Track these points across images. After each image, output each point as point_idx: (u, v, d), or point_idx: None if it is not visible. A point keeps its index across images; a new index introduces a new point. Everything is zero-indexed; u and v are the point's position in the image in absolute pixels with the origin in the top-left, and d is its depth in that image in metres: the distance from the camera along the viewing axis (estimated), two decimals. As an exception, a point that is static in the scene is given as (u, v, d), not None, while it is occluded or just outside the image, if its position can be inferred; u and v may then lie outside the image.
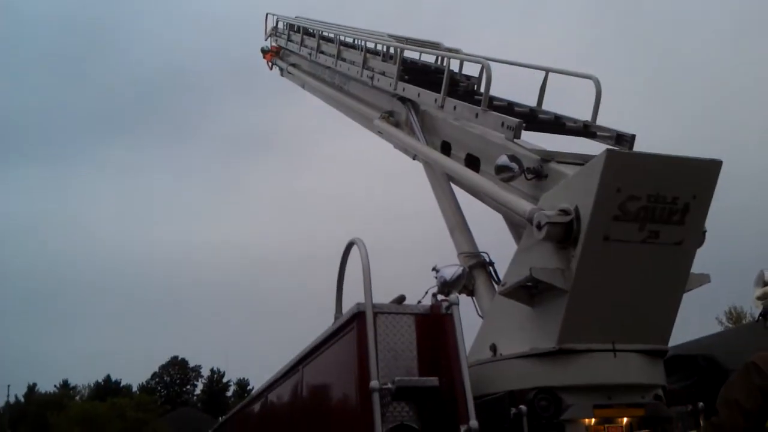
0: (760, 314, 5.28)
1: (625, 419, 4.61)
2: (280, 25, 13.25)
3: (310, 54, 11.25)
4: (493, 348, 5.05)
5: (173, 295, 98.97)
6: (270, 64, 13.42)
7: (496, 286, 5.87)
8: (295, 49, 12.09)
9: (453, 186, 6.97)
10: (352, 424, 4.27)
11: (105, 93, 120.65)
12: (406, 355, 4.27)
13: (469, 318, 5.55)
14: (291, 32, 12.51)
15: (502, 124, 5.74)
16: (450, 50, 8.49)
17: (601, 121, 6.22)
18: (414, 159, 7.72)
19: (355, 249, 4.70)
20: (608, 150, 4.41)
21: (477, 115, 6.19)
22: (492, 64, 6.39)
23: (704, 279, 4.98)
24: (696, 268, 4.90)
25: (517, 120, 5.67)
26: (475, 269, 6.08)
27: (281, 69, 12.92)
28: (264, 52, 13.58)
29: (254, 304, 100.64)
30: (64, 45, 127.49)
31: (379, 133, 8.35)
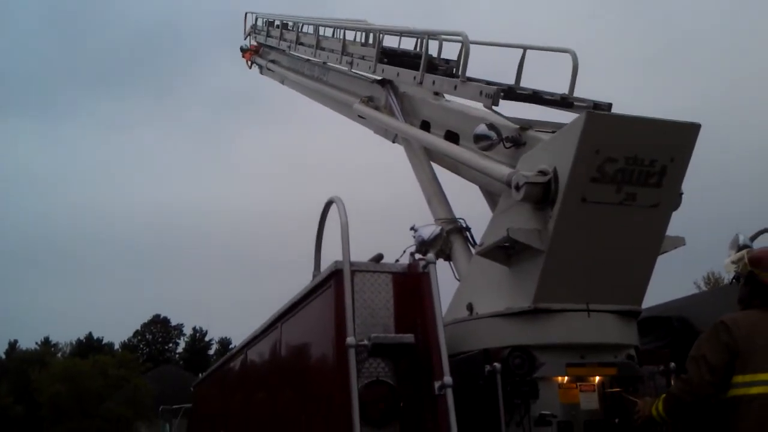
0: (733, 278, 5.35)
1: (597, 378, 4.70)
2: (260, 23, 13.27)
3: (289, 47, 11.32)
4: (470, 307, 5.11)
5: (155, 253, 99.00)
6: (249, 62, 13.43)
7: (472, 249, 5.92)
8: (274, 44, 12.16)
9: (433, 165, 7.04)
10: (328, 379, 4.32)
11: (94, 47, 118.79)
12: (382, 313, 4.30)
13: (447, 282, 5.60)
14: (270, 28, 12.56)
15: (481, 93, 5.76)
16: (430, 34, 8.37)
17: (580, 95, 6.19)
18: (394, 141, 7.81)
19: (334, 207, 4.70)
20: (588, 111, 4.42)
21: (456, 87, 6.22)
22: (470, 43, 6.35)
23: (679, 242, 5.04)
24: (678, 231, 4.99)
25: (495, 87, 5.69)
26: (452, 234, 6.14)
27: (260, 66, 12.96)
28: (243, 50, 13.58)
29: (237, 263, 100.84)
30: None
31: (359, 117, 8.43)
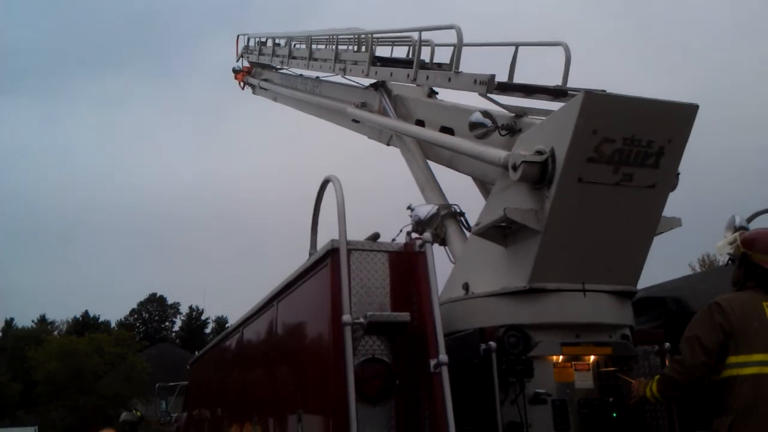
0: (729, 259, 5.37)
1: (592, 357, 4.72)
2: (251, 43, 13.30)
3: (281, 62, 11.40)
4: (466, 287, 5.11)
5: (152, 231, 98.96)
6: (241, 84, 13.49)
7: (467, 234, 5.95)
8: (267, 61, 12.26)
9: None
10: (324, 357, 4.33)
11: (93, 24, 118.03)
12: (378, 292, 4.32)
13: (442, 266, 5.62)
14: (262, 47, 12.64)
15: (475, 81, 5.76)
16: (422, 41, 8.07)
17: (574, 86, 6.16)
18: (388, 144, 7.83)
19: (330, 186, 4.69)
20: (586, 91, 4.39)
21: (449, 79, 6.23)
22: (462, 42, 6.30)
23: (675, 223, 5.05)
24: (675, 212, 5.00)
25: (489, 74, 5.67)
26: (447, 219, 6.16)
27: (253, 86, 12.99)
28: (235, 72, 13.64)
29: (234, 242, 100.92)
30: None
31: (354, 123, 8.48)
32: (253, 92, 13.03)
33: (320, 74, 10.02)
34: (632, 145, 4.44)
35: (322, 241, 4.59)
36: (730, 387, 4.28)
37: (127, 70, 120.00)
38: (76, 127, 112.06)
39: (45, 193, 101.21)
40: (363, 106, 8.24)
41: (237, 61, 13.75)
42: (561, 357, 4.63)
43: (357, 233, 4.49)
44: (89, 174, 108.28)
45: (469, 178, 6.58)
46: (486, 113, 5.36)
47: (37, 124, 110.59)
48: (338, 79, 9.38)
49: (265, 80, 12.44)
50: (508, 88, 5.85)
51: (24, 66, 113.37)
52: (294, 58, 10.82)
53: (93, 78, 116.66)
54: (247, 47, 13.43)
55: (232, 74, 13.69)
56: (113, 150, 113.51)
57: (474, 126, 5.35)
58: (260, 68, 12.89)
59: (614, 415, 4.62)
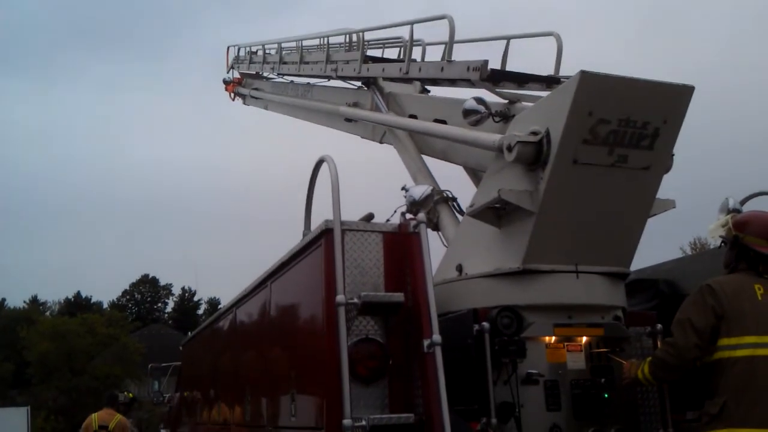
0: (722, 242, 5.39)
1: (584, 338, 4.74)
2: (242, 53, 13.27)
3: (272, 68, 11.40)
4: (459, 268, 5.13)
5: (145, 213, 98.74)
6: (231, 94, 13.43)
7: (460, 218, 5.95)
8: (258, 69, 12.30)
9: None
10: (318, 337, 4.33)
11: (91, 7, 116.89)
12: (372, 272, 4.31)
13: (435, 250, 5.62)
14: (253, 56, 12.67)
15: (468, 68, 5.74)
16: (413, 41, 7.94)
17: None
18: (381, 141, 7.82)
19: (324, 166, 4.66)
20: (582, 70, 4.38)
21: (442, 69, 6.21)
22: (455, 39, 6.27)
23: (669, 204, 5.07)
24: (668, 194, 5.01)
25: (483, 60, 5.65)
26: (439, 204, 6.18)
27: (243, 96, 12.93)
28: (226, 83, 13.58)
29: (227, 222, 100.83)
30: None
31: (346, 122, 8.45)
32: (244, 102, 12.99)
33: (312, 79, 10.03)
34: (627, 126, 4.44)
35: (316, 222, 4.57)
36: (722, 369, 4.30)
37: (125, 51, 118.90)
38: (70, 107, 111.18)
39: (37, 173, 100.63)
40: (355, 105, 8.25)
41: (227, 72, 13.69)
42: (553, 338, 4.66)
43: (351, 213, 4.48)
44: (83, 155, 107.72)
45: (461, 169, 6.58)
46: (479, 100, 5.34)
47: (28, 104, 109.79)
48: (330, 83, 9.41)
49: (256, 89, 12.43)
50: (501, 77, 5.83)
51: (22, 50, 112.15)
52: (285, 63, 10.79)
53: (91, 59, 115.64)
54: (237, 57, 13.39)
55: (223, 85, 13.63)
56: (107, 131, 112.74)
57: (468, 113, 5.33)
58: (251, 78, 12.89)
59: (606, 395, 4.65)
